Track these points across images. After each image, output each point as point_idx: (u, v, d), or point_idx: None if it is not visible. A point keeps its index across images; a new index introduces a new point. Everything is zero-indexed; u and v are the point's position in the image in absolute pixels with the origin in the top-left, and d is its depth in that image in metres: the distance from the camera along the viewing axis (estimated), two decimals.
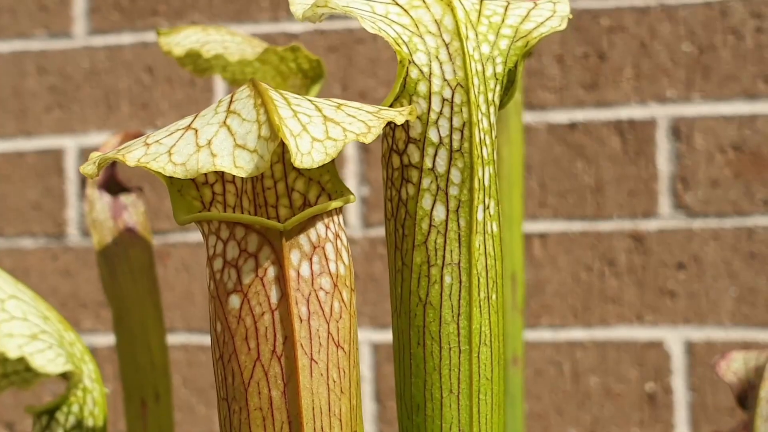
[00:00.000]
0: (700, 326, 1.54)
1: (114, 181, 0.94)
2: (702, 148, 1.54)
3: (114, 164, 0.93)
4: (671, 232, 1.55)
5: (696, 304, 1.54)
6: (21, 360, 0.64)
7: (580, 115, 1.57)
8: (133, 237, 0.92)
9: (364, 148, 1.64)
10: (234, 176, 0.58)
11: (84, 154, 1.71)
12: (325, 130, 0.51)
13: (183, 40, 0.84)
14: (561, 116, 1.58)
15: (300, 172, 0.58)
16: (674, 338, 1.55)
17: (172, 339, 1.70)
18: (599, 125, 1.57)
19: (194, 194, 0.56)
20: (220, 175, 0.57)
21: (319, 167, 0.56)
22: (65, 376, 0.64)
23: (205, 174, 0.56)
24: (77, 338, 0.65)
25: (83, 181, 1.69)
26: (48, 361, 0.60)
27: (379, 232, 1.63)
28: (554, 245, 1.58)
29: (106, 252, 0.91)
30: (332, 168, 0.58)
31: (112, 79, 1.70)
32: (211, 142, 0.51)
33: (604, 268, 1.57)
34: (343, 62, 1.64)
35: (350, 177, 1.64)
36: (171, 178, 0.55)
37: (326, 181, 0.58)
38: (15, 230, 1.74)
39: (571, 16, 0.61)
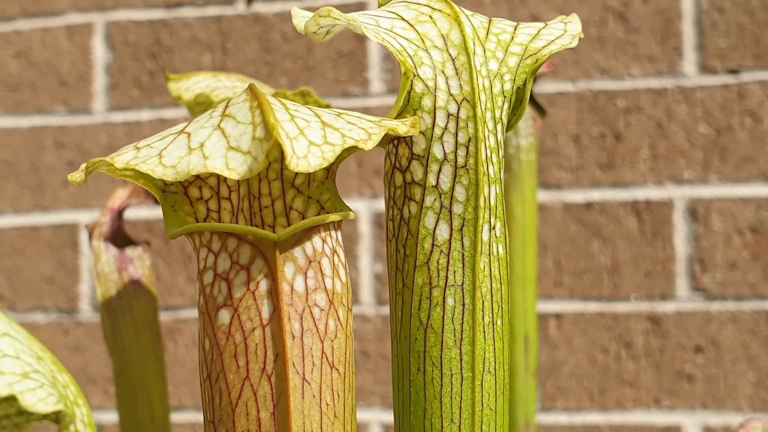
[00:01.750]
0: (718, 411, 1.51)
1: (120, 233, 0.93)
2: (719, 230, 1.52)
3: (121, 217, 0.92)
4: (689, 314, 1.52)
5: (714, 388, 1.51)
6: (12, 403, 0.63)
7: (596, 195, 1.56)
8: (138, 290, 0.91)
9: (378, 224, 1.63)
10: (230, 192, 0.56)
11: None
12: (323, 135, 0.49)
13: (193, 85, 0.84)
14: (577, 195, 1.57)
15: (299, 190, 0.56)
16: (692, 423, 1.51)
17: (180, 417, 1.67)
18: (615, 205, 1.55)
19: (188, 210, 0.55)
20: (216, 191, 0.56)
21: (318, 186, 0.55)
22: (57, 418, 0.62)
23: (200, 188, 0.55)
24: (71, 381, 0.63)
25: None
26: (39, 399, 0.58)
27: None
28: (570, 326, 1.56)
29: (110, 304, 0.89)
30: (332, 187, 0.57)
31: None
32: (204, 145, 0.49)
33: (621, 350, 1.54)
34: None
35: (364, 254, 1.62)
36: (164, 192, 0.53)
37: (326, 200, 0.56)
38: (27, 305, 1.73)
39: (582, 35, 0.60)
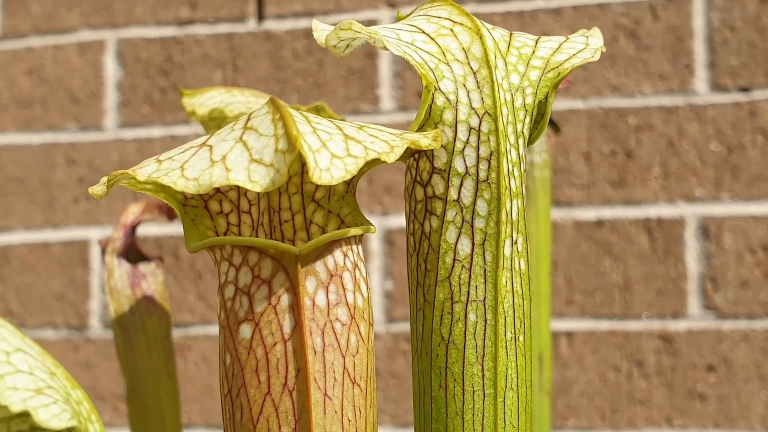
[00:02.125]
0: (730, 430, 1.50)
1: (134, 249, 0.93)
2: (731, 248, 1.52)
3: (134, 232, 0.92)
4: (701, 333, 1.51)
5: (726, 407, 1.50)
6: (25, 419, 0.62)
7: (607, 213, 1.56)
8: (151, 306, 0.90)
9: (389, 241, 1.62)
10: (250, 206, 0.56)
11: None
12: (346, 147, 0.49)
13: (207, 100, 0.84)
14: (588, 213, 1.56)
15: (319, 204, 0.56)
16: None
17: None
18: (627, 223, 1.55)
19: (208, 224, 0.54)
20: (236, 205, 0.55)
21: (339, 200, 0.55)
22: None
23: (220, 202, 0.55)
24: (85, 397, 0.62)
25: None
26: (52, 415, 0.58)
27: (402, 327, 1.60)
28: (581, 344, 1.55)
29: (123, 321, 0.89)
30: (353, 201, 0.56)
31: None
32: (226, 157, 0.49)
33: (633, 369, 1.53)
34: None
35: (374, 271, 1.62)
36: (184, 206, 0.53)
37: (346, 214, 0.55)
38: (37, 321, 1.73)
39: (604, 49, 0.60)
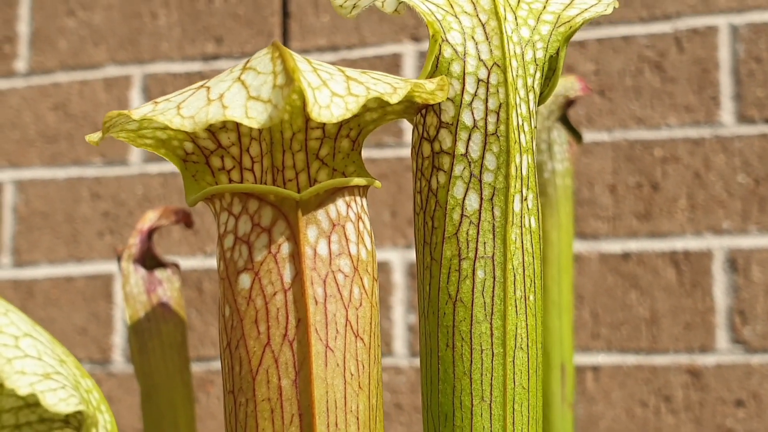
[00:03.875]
0: None
1: (150, 255, 0.93)
2: (760, 281, 1.49)
3: (150, 238, 0.91)
4: (729, 367, 1.49)
5: None
6: (34, 409, 0.61)
7: (633, 246, 1.54)
8: (166, 312, 0.89)
9: (412, 275, 1.61)
10: (253, 164, 0.55)
11: None
12: (347, 87, 0.48)
13: None
14: (614, 246, 1.55)
15: (324, 162, 0.55)
16: None
17: None
18: (653, 256, 1.53)
19: (209, 180, 0.54)
20: (238, 161, 0.55)
21: (344, 157, 0.54)
22: (79, 423, 0.60)
23: (222, 158, 0.54)
24: (95, 386, 0.61)
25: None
26: (60, 399, 0.57)
27: None
28: (607, 379, 1.52)
29: (138, 327, 0.88)
30: (358, 159, 0.55)
31: (165, 205, 1.71)
32: (223, 96, 0.48)
33: (660, 404, 1.51)
34: (393, 189, 1.63)
35: (397, 304, 1.61)
36: (185, 162, 0.52)
37: (351, 172, 0.54)
38: None
39: (617, 5, 0.59)
